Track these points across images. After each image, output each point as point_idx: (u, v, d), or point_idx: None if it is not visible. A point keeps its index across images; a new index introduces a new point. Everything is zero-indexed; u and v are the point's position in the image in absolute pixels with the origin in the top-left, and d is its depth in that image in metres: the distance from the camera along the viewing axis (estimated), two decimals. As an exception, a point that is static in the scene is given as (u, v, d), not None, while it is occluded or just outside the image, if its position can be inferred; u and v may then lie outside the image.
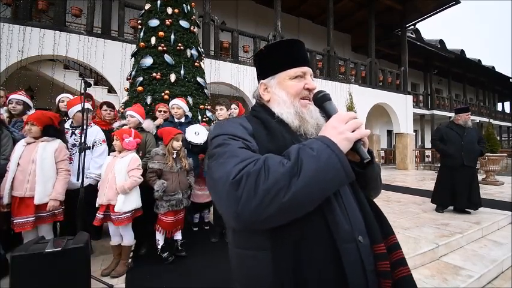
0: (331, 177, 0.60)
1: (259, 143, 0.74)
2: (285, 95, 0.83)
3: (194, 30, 4.25)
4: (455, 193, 4.29)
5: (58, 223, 2.79)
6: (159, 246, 2.71)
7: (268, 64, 0.89)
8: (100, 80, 8.42)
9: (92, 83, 6.47)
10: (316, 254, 0.64)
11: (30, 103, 3.05)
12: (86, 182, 2.67)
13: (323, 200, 0.63)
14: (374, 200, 0.84)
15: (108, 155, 2.70)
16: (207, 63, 6.37)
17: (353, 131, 0.67)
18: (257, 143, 0.73)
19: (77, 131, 2.83)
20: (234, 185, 0.58)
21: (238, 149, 0.67)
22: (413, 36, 15.00)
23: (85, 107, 2.41)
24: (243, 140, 0.71)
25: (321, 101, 0.80)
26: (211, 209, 3.80)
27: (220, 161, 0.66)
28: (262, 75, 0.91)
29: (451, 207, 4.49)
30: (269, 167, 0.59)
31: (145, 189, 2.64)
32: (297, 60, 0.85)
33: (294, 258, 0.64)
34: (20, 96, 2.94)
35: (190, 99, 3.76)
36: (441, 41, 16.49)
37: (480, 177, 8.61)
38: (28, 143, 2.30)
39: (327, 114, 0.77)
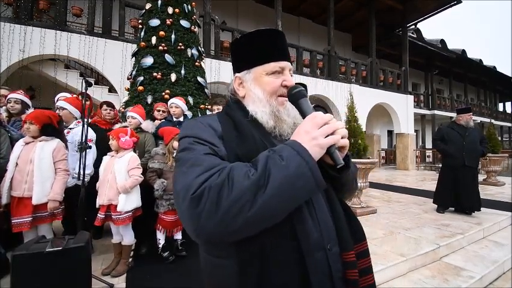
0: (300, 186, 0.57)
1: (228, 147, 0.69)
2: (261, 92, 0.77)
3: (195, 29, 4.24)
4: (457, 194, 4.28)
5: (61, 222, 2.80)
6: (160, 246, 2.71)
7: (243, 56, 0.82)
8: (100, 80, 8.43)
9: (93, 82, 6.48)
10: (283, 264, 0.62)
11: (29, 102, 3.04)
12: (72, 182, 2.66)
13: (292, 210, 0.60)
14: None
15: (105, 155, 2.69)
16: (207, 63, 6.37)
17: (328, 135, 0.63)
18: (226, 147, 0.69)
19: (65, 131, 2.82)
20: (194, 200, 0.55)
21: (203, 156, 0.63)
22: (414, 36, 14.99)
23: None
24: (209, 144, 0.67)
25: (296, 98, 0.73)
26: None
27: (183, 169, 0.62)
28: (237, 67, 0.84)
29: (452, 208, 4.48)
30: (233, 179, 0.55)
31: (145, 188, 2.64)
32: (275, 53, 0.78)
33: (259, 267, 0.61)
34: (18, 95, 2.93)
35: (190, 99, 3.76)
36: (442, 41, 16.47)
37: (481, 177, 8.62)
38: (26, 143, 2.28)
39: (302, 113, 0.71)
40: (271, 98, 0.77)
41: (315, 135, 0.62)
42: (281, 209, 0.58)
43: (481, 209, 4.31)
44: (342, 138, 0.65)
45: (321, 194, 0.71)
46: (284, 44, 0.81)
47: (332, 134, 0.63)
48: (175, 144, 2.71)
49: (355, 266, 0.68)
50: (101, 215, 2.42)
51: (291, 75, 0.81)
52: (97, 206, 2.47)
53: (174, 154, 2.72)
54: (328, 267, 0.65)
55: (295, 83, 0.78)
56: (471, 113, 4.47)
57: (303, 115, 0.70)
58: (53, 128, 2.38)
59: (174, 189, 0.63)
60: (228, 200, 0.54)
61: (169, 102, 3.32)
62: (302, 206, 0.65)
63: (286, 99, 0.77)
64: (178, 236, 2.83)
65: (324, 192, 0.72)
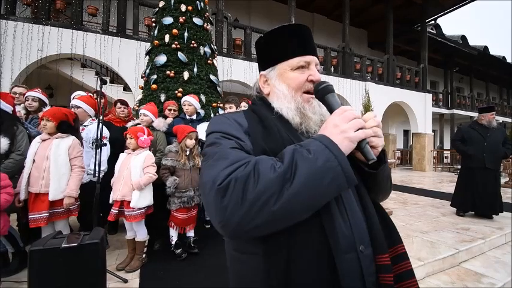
0: (329, 181, 0.54)
1: (254, 142, 0.68)
2: (286, 88, 0.75)
3: (207, 27, 4.24)
4: (475, 197, 4.09)
5: (76, 218, 2.86)
6: (173, 243, 2.74)
7: (268, 53, 0.81)
8: (116, 78, 8.61)
9: (108, 81, 6.62)
10: (311, 263, 0.59)
11: (46, 100, 3.12)
12: (87, 179, 2.70)
13: (320, 207, 0.57)
14: (381, 203, 0.78)
15: (122, 152, 2.73)
16: (219, 61, 6.38)
17: (357, 130, 0.60)
18: (252, 142, 0.68)
19: (80, 128, 2.87)
20: (221, 191, 0.54)
21: (230, 150, 0.63)
22: (434, 31, 14.48)
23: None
24: (236, 138, 0.67)
25: (322, 94, 0.70)
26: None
27: (210, 162, 0.62)
28: (262, 66, 0.83)
29: (472, 212, 4.29)
30: (259, 172, 0.54)
31: (159, 186, 2.67)
32: (299, 48, 0.75)
33: (286, 267, 0.59)
34: (36, 93, 3.01)
35: (203, 97, 3.76)
36: (463, 37, 15.82)
37: (503, 180, 8.26)
38: (43, 140, 2.34)
39: (329, 108, 0.69)
40: (296, 93, 0.75)
41: (344, 128, 0.60)
42: (308, 205, 0.55)
43: (504, 213, 4.11)
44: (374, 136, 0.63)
45: (352, 193, 0.68)
46: (309, 38, 0.78)
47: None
48: (189, 142, 2.72)
49: (390, 270, 0.63)
50: (114, 210, 2.47)
51: (318, 70, 0.77)
52: (110, 201, 2.52)
53: (188, 152, 2.73)
54: (359, 269, 0.61)
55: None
56: (494, 112, 4.24)
57: (331, 110, 0.68)
58: (69, 125, 2.43)
59: (200, 181, 0.64)
60: (253, 192, 0.53)
61: (182, 100, 3.34)
62: (332, 204, 0.62)
63: (313, 96, 0.75)
64: (190, 233, 2.85)
65: (356, 191, 0.69)
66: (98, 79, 2.48)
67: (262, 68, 0.83)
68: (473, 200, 4.12)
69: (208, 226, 3.73)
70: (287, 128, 0.73)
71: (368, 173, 0.69)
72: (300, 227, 0.58)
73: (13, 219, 2.67)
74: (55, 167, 2.26)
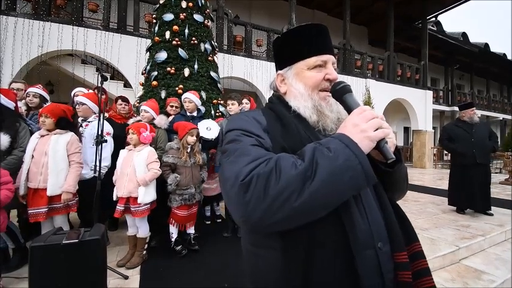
0: (349, 179, 0.55)
1: (273, 139, 0.69)
2: (302, 87, 0.76)
3: (208, 24, 4.21)
4: (470, 194, 4.10)
5: (77, 214, 2.87)
6: (173, 239, 2.75)
7: (285, 53, 0.82)
8: (116, 75, 8.58)
9: (109, 77, 6.59)
10: (329, 259, 0.60)
11: (47, 96, 3.11)
12: (90, 175, 2.70)
13: (338, 204, 0.58)
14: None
15: (121, 148, 2.72)
16: (220, 58, 6.35)
17: (376, 129, 0.61)
18: (271, 139, 0.69)
19: (84, 124, 2.87)
20: (243, 187, 0.56)
21: (250, 147, 0.64)
22: (435, 28, 14.39)
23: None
24: (256, 136, 0.68)
25: (340, 94, 0.71)
26: (224, 203, 3.82)
27: (231, 159, 0.63)
28: (279, 65, 0.84)
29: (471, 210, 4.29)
30: (281, 168, 0.55)
31: (159, 183, 2.66)
32: (316, 47, 0.76)
33: (304, 262, 0.60)
34: (37, 89, 3.00)
35: (203, 94, 3.75)
36: (464, 34, 15.73)
37: (503, 177, 8.27)
38: (42, 136, 2.34)
39: (347, 108, 0.70)
40: (312, 92, 0.76)
41: (364, 127, 0.61)
42: (328, 202, 0.56)
43: (504, 210, 4.12)
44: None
45: (370, 192, 0.69)
46: (326, 37, 0.79)
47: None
48: (190, 139, 2.72)
49: (408, 268, 0.64)
50: (120, 207, 2.48)
51: (335, 69, 0.79)
52: (115, 198, 2.53)
53: (189, 149, 2.73)
54: (378, 266, 0.62)
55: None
56: (473, 108, 4.22)
57: (349, 110, 0.69)
58: (68, 122, 2.44)
59: (221, 177, 0.64)
60: (275, 188, 0.54)
61: (183, 97, 3.33)
62: (351, 202, 0.63)
63: (329, 94, 0.76)
64: (191, 230, 2.85)
65: (374, 189, 0.70)
66: (99, 75, 2.47)
67: (279, 67, 0.84)
68: (470, 197, 4.13)
69: (209, 222, 3.75)
70: (305, 126, 0.74)
71: (385, 171, 0.69)
72: (318, 224, 0.59)
73: (13, 215, 2.68)
74: (53, 162, 2.27)
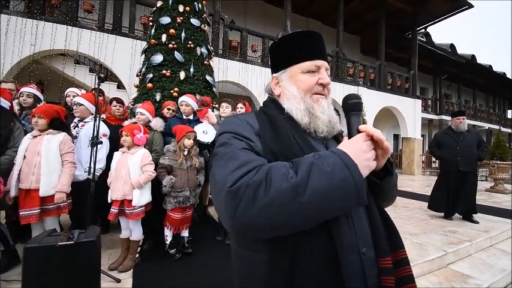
0: (340, 200, 0.56)
1: (264, 143, 0.70)
2: (296, 90, 0.78)
3: (204, 28, 4.26)
4: (450, 199, 4.26)
5: (69, 216, 2.82)
6: (167, 242, 2.73)
7: (280, 56, 0.84)
8: (109, 76, 8.48)
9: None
10: (315, 263, 0.62)
11: (41, 96, 3.08)
12: (84, 176, 2.66)
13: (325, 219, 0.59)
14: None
15: (115, 150, 2.70)
16: (215, 62, 6.38)
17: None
18: (262, 143, 0.70)
19: (80, 124, 2.85)
20: (231, 193, 0.56)
21: (240, 151, 0.64)
22: (424, 39, 14.82)
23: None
24: (246, 139, 0.68)
25: (351, 109, 0.71)
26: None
27: (221, 163, 0.63)
28: (274, 68, 0.86)
29: (459, 215, 4.42)
30: (271, 180, 0.55)
31: (153, 185, 2.65)
32: (311, 52, 0.79)
33: (290, 265, 0.61)
34: (30, 89, 2.96)
35: (198, 97, 3.77)
36: (452, 46, 16.27)
37: (488, 185, 8.51)
38: (34, 136, 2.31)
39: (349, 125, 0.69)
40: (305, 95, 0.78)
41: (368, 156, 0.62)
42: (315, 219, 0.57)
43: (489, 216, 4.25)
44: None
45: None
46: (320, 43, 0.81)
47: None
48: (187, 142, 2.73)
49: (392, 273, 0.66)
50: (114, 210, 2.46)
51: (328, 74, 0.81)
52: (109, 201, 2.50)
53: (185, 152, 2.74)
54: (362, 271, 0.64)
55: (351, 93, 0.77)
56: (461, 117, 4.35)
57: (351, 129, 0.69)
58: (61, 122, 2.41)
59: (212, 181, 0.65)
60: (264, 199, 0.54)
61: (179, 100, 3.34)
62: None
63: (322, 96, 0.79)
64: (185, 233, 2.84)
65: None
66: (96, 77, 2.46)
67: (274, 70, 0.86)
68: (448, 201, 4.28)
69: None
70: (296, 130, 0.76)
71: (375, 182, 0.71)
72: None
73: (1, 216, 2.62)
74: (46, 162, 2.24)
